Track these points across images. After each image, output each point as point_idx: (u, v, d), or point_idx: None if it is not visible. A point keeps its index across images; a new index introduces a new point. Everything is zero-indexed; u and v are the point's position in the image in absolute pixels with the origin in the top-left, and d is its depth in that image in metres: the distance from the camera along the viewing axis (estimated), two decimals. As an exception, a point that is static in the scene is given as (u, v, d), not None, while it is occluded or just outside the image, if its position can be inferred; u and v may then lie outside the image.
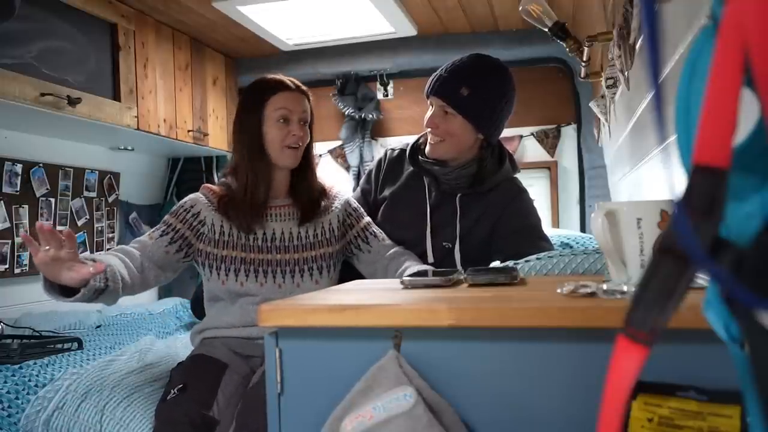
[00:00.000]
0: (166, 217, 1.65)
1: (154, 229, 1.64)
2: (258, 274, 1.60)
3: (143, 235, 1.64)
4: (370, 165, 1.97)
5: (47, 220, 2.65)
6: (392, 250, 1.71)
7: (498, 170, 1.73)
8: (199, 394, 1.40)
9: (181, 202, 1.67)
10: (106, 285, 1.40)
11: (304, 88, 1.69)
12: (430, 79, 1.71)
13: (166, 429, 1.36)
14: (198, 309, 2.31)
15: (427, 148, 1.73)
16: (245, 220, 1.60)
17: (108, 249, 3.00)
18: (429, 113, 1.69)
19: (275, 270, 1.61)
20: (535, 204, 1.82)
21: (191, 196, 1.69)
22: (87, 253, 1.47)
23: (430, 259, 1.71)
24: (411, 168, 1.79)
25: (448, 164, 1.71)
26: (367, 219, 1.77)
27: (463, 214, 1.70)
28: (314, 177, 1.72)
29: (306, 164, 1.69)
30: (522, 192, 1.77)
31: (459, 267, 1.64)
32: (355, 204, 1.78)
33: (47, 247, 1.27)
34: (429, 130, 1.70)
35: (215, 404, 1.39)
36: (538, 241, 1.67)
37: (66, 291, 1.36)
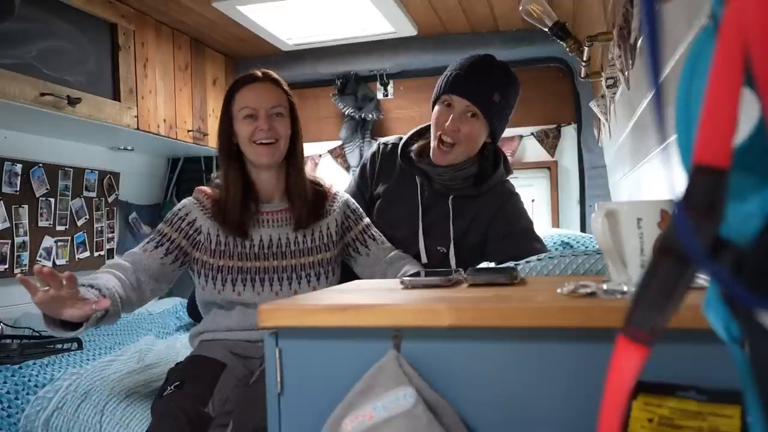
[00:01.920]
0: (161, 226, 1.60)
1: (147, 240, 1.59)
2: (255, 282, 1.57)
3: (136, 248, 1.59)
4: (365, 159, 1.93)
5: (47, 220, 2.65)
6: (391, 254, 1.69)
7: (493, 173, 1.73)
8: (195, 391, 1.39)
9: (174, 209, 1.63)
10: (106, 310, 1.36)
11: (275, 77, 1.61)
12: (448, 76, 1.65)
13: (161, 424, 1.35)
14: (194, 311, 2.31)
15: (435, 155, 1.66)
16: (230, 223, 1.56)
17: (108, 249, 3.00)
18: (447, 114, 1.62)
19: (272, 277, 1.58)
20: (535, 204, 1.82)
21: (184, 202, 1.64)
22: (85, 278, 1.44)
23: (424, 260, 1.71)
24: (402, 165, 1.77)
25: (443, 165, 1.70)
26: (367, 221, 1.72)
27: (456, 216, 1.69)
28: (302, 175, 1.64)
29: (293, 161, 1.62)
30: (513, 195, 1.76)
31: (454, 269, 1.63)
32: (355, 205, 1.73)
33: (46, 287, 1.24)
34: (445, 132, 1.62)
35: (211, 402, 1.38)
36: (533, 243, 1.67)
37: (67, 324, 1.33)
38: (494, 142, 1.73)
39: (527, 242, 1.66)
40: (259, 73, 1.60)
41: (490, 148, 1.74)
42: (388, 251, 1.70)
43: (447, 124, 1.62)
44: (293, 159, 1.63)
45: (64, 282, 1.24)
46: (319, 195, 1.67)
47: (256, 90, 1.58)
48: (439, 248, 1.70)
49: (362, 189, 1.86)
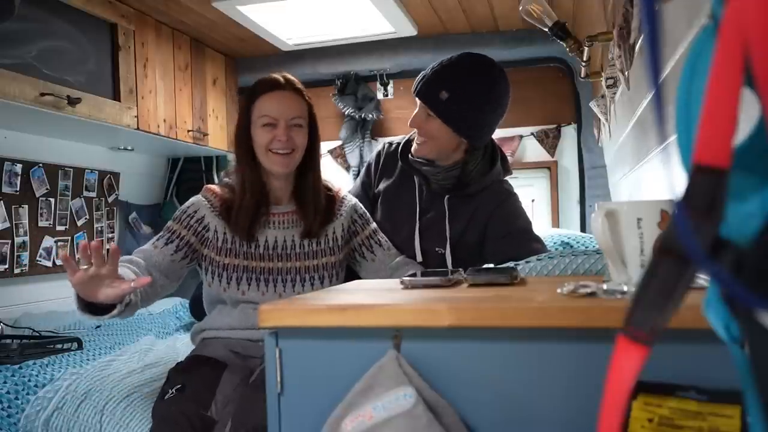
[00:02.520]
0: (170, 223, 1.60)
1: (157, 237, 1.59)
2: (259, 282, 1.57)
3: (146, 245, 1.59)
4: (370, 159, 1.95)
5: (47, 220, 2.65)
6: (396, 260, 1.69)
7: (487, 172, 1.72)
8: (197, 394, 1.39)
9: (183, 207, 1.63)
10: (130, 299, 1.36)
11: (298, 86, 1.59)
12: (417, 77, 1.68)
13: (163, 429, 1.35)
14: (196, 310, 2.31)
15: (413, 146, 1.72)
16: (241, 226, 1.56)
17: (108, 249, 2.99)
18: (414, 112, 1.68)
19: (276, 278, 1.58)
20: (535, 204, 1.81)
21: (193, 200, 1.63)
22: None
23: (419, 260, 1.71)
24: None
25: (436, 164, 1.70)
26: (374, 226, 1.73)
27: (452, 217, 1.69)
28: (318, 183, 1.64)
29: (309, 169, 1.62)
30: (510, 195, 1.75)
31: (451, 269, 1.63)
32: (362, 210, 1.73)
33: (85, 266, 1.22)
34: (414, 129, 1.69)
35: (213, 404, 1.38)
36: (531, 243, 1.66)
37: (96, 309, 1.32)
38: (473, 143, 1.69)
39: (526, 242, 1.66)
40: (282, 80, 1.58)
41: (475, 151, 1.71)
42: (393, 257, 1.70)
43: (409, 122, 1.68)
44: (309, 167, 1.62)
45: (107, 258, 1.23)
46: (329, 200, 1.67)
47: (277, 99, 1.56)
48: (437, 249, 1.69)
49: (366, 188, 1.87)
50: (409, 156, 1.74)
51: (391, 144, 1.87)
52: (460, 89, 1.61)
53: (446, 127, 1.63)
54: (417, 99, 1.66)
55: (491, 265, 1.37)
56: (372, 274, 1.69)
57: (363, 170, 1.93)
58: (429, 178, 1.72)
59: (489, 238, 1.69)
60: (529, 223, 1.75)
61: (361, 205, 1.75)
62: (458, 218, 1.69)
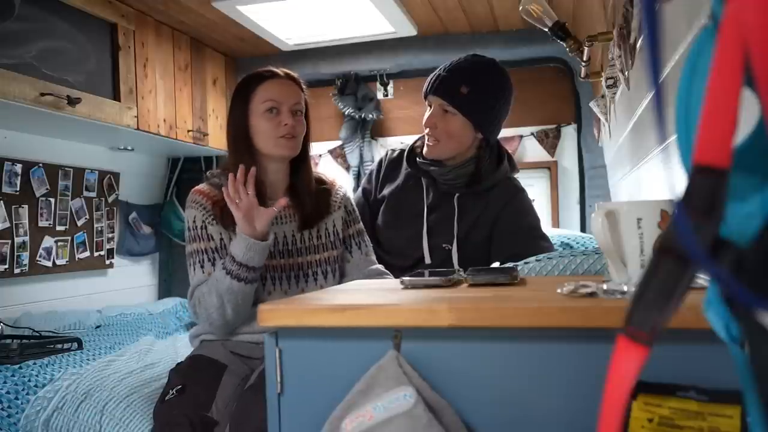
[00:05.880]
0: (194, 246, 1.52)
1: (197, 264, 1.51)
2: (265, 282, 1.53)
3: (197, 280, 1.51)
4: (371, 165, 1.98)
5: (47, 220, 2.65)
6: (371, 268, 1.64)
7: (496, 170, 1.73)
8: (197, 395, 1.38)
9: (189, 224, 1.54)
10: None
11: (294, 75, 1.59)
12: (429, 79, 1.71)
13: (165, 430, 1.35)
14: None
15: (425, 149, 1.73)
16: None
17: (108, 249, 3.00)
18: (428, 113, 1.69)
19: (281, 276, 1.55)
20: (535, 204, 1.82)
21: (191, 213, 1.54)
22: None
23: (428, 260, 1.70)
24: (409, 169, 1.79)
25: (445, 164, 1.72)
26: (360, 226, 1.69)
27: (462, 215, 1.70)
28: (310, 174, 1.62)
29: (302, 161, 1.60)
30: (520, 191, 1.76)
31: (457, 268, 1.63)
32: (353, 206, 1.71)
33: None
34: (427, 130, 1.70)
35: (214, 405, 1.37)
36: (538, 241, 1.66)
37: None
38: (487, 138, 1.72)
39: (533, 240, 1.66)
40: (280, 72, 1.57)
41: (486, 147, 1.74)
42: (368, 264, 1.66)
43: (424, 121, 1.70)
44: (302, 159, 1.60)
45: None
46: (324, 193, 1.64)
47: (280, 84, 1.55)
48: (444, 245, 1.70)
49: (367, 194, 1.88)
50: (417, 159, 1.75)
51: (394, 150, 1.89)
52: (478, 84, 1.66)
53: (466, 121, 1.66)
54: (431, 99, 1.69)
55: (493, 265, 1.37)
56: (344, 276, 1.64)
57: (365, 178, 1.95)
58: (437, 179, 1.73)
59: (497, 234, 1.70)
60: (538, 221, 1.76)
61: (352, 201, 1.73)
62: (467, 215, 1.70)
